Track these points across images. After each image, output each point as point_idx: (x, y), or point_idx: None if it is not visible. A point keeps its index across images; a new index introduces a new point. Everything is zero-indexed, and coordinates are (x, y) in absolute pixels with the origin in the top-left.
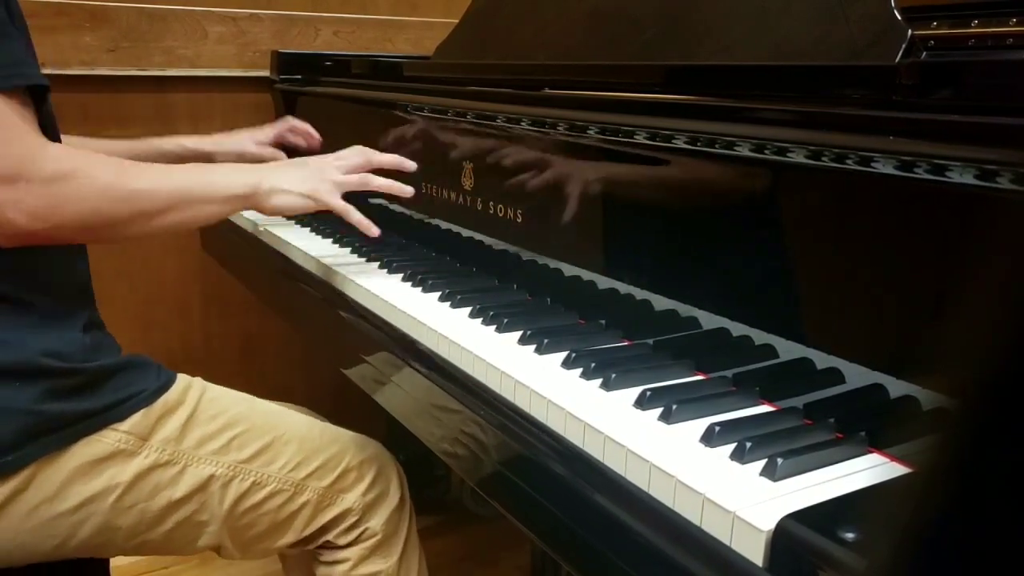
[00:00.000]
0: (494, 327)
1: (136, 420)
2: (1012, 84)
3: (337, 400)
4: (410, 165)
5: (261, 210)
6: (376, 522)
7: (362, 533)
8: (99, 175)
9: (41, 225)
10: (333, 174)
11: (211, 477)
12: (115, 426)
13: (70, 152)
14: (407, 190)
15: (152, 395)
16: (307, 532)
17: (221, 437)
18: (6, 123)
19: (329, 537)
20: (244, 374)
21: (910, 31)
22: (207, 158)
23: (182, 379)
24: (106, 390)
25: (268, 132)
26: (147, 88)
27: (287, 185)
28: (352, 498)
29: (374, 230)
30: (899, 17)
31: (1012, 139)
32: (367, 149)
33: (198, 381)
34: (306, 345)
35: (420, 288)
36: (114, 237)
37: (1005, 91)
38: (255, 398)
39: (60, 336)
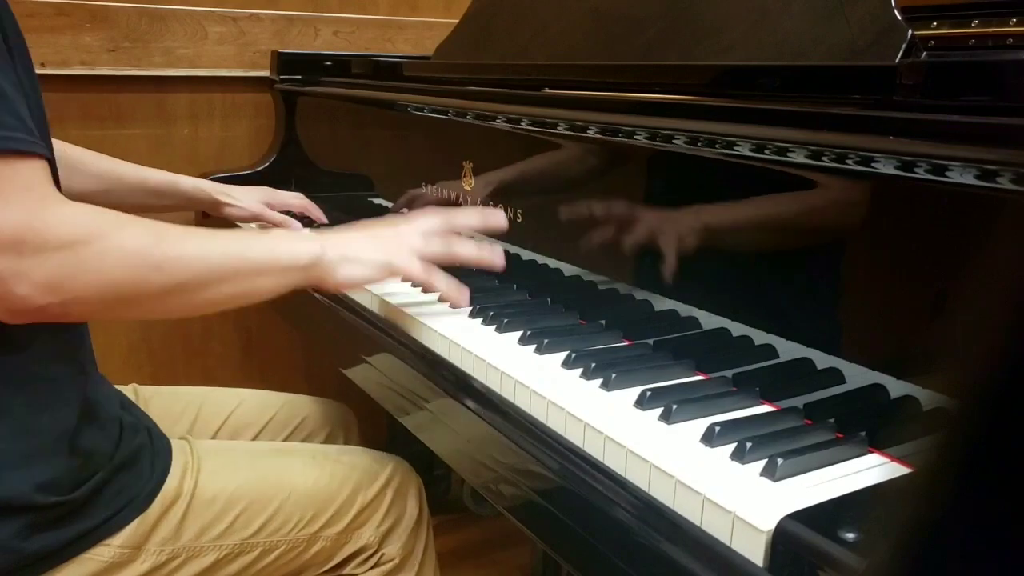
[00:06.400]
0: (494, 327)
1: (130, 531)
2: (1012, 84)
3: (338, 399)
4: (497, 222)
5: (324, 284)
6: (393, 548)
7: (379, 559)
8: (127, 240)
9: (53, 299)
10: (412, 239)
11: (215, 562)
12: (107, 541)
13: (91, 213)
14: (498, 264)
15: (146, 499)
16: (321, 571)
17: (222, 521)
18: (6, 185)
19: (345, 570)
20: (245, 372)
21: (910, 31)
22: (211, 205)
23: (177, 461)
24: (96, 507)
25: (280, 199)
26: (147, 88)
27: (357, 253)
28: (368, 533)
29: (464, 300)
30: (899, 17)
31: (1012, 139)
32: (447, 209)
33: (195, 453)
34: (307, 344)
35: (420, 288)
36: (147, 313)
37: (1005, 91)
38: (259, 449)
39: (49, 461)
